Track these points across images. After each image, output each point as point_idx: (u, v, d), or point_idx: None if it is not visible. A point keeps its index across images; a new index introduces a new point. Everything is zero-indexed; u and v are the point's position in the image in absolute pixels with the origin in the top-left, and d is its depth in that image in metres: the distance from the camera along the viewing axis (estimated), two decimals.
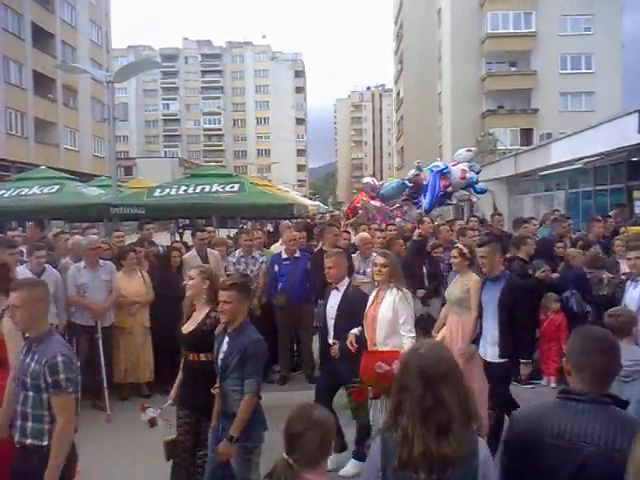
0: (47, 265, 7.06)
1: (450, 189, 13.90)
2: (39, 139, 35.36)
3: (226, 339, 4.09)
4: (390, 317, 4.92)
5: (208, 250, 8.29)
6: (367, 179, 16.02)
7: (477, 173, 14.40)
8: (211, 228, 10.12)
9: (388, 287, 5.03)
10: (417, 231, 9.32)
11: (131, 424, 6.68)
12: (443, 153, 45.97)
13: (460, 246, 6.14)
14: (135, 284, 7.58)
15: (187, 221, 15.52)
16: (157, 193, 10.46)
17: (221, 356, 4.07)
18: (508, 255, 7.70)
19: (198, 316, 4.64)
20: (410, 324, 4.94)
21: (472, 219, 11.13)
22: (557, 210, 14.06)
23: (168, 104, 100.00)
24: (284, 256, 8.17)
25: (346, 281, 5.59)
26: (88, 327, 7.15)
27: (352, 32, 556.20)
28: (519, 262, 7.42)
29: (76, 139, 40.37)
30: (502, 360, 5.28)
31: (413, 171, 14.38)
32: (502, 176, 28.91)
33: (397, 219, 13.22)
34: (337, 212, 29.28)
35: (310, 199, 36.64)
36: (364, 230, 9.68)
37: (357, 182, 73.28)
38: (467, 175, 13.87)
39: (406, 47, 52.44)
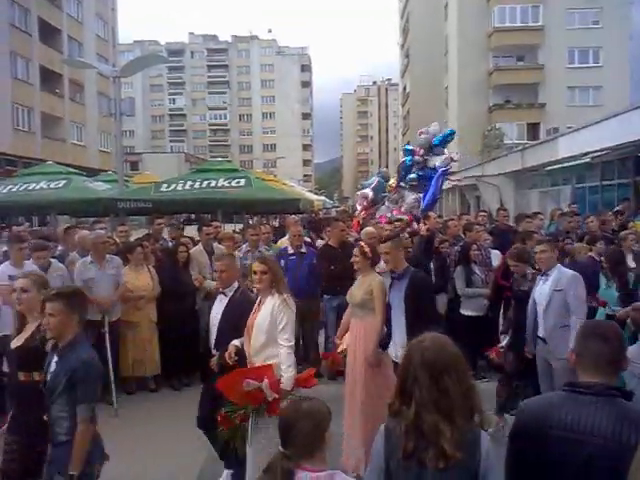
0: (53, 260, 7.08)
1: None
2: (46, 134, 35.47)
3: (55, 358, 3.62)
4: (267, 325, 4.48)
5: (214, 245, 8.30)
6: (365, 192, 14.94)
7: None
8: (217, 223, 10.14)
9: (269, 293, 4.59)
10: (424, 226, 9.30)
11: (138, 418, 6.74)
12: (449, 147, 45.90)
13: (362, 244, 5.76)
14: (142, 279, 7.61)
15: (184, 216, 15.57)
16: (164, 188, 10.50)
17: (49, 377, 3.61)
18: None
19: (29, 329, 4.12)
20: (289, 332, 4.49)
21: (481, 214, 11.12)
22: (574, 204, 14.02)
23: (174, 99, 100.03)
24: (290, 251, 8.18)
25: (235, 285, 5.15)
26: (95, 321, 7.17)
27: (358, 26, 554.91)
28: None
29: (82, 134, 40.48)
30: None
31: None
32: (509, 171, 28.81)
33: (394, 212, 12.88)
34: (342, 207, 29.25)
35: (316, 194, 36.62)
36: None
37: (363, 178, 73.18)
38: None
39: (412, 41, 52.29)
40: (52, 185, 10.86)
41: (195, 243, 8.91)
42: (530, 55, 40.88)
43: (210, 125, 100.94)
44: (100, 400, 6.25)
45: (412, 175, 13.27)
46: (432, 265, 8.12)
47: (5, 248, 7.78)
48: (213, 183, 10.37)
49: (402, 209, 12.90)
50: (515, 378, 6.00)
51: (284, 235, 9.97)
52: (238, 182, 10.40)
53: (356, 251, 5.65)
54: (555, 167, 22.84)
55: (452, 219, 9.86)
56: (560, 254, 7.86)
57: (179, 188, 10.40)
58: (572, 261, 7.64)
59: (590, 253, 7.52)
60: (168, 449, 5.77)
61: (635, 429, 2.11)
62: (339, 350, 5.60)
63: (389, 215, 12.48)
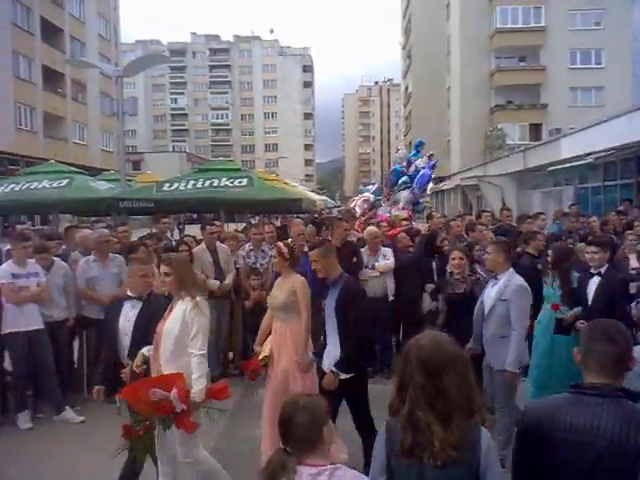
0: (56, 258, 7.09)
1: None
2: (48, 133, 35.52)
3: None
4: (177, 332, 4.17)
5: (217, 244, 8.31)
6: (366, 195, 15.20)
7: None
8: (219, 222, 10.15)
9: (180, 298, 4.29)
10: (425, 226, 9.31)
11: None
12: (451, 148, 45.90)
13: (279, 245, 5.52)
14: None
15: (183, 216, 15.56)
16: (166, 187, 10.49)
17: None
18: (517, 250, 7.68)
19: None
20: (201, 340, 4.17)
21: (485, 214, 11.11)
22: (575, 204, 14.02)
23: (176, 99, 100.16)
24: None
25: (148, 290, 4.86)
26: (98, 320, 7.18)
27: (360, 26, 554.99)
28: (528, 257, 7.40)
29: (85, 133, 40.54)
30: (348, 375, 4.67)
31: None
32: (511, 171, 28.83)
33: (392, 209, 13.20)
34: (345, 207, 29.21)
35: (317, 194, 36.60)
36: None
37: (364, 177, 73.13)
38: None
39: (414, 42, 52.27)
40: (54, 184, 10.84)
41: (198, 242, 8.92)
42: (532, 56, 40.87)
43: (212, 125, 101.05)
44: (103, 399, 6.28)
45: (404, 178, 13.89)
46: (434, 264, 8.13)
47: (8, 247, 7.79)
48: (215, 182, 10.36)
49: (399, 205, 13.40)
50: None
51: (286, 234, 9.98)
52: (240, 182, 10.39)
53: (274, 251, 5.51)
54: (557, 168, 22.84)
55: (454, 219, 9.86)
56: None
57: (181, 187, 10.39)
58: (575, 261, 7.64)
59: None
60: None
61: None
62: (260, 357, 5.27)
63: (388, 214, 12.65)
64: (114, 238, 8.13)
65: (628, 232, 8.15)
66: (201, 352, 4.14)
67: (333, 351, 4.81)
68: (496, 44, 40.63)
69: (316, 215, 15.39)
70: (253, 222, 15.25)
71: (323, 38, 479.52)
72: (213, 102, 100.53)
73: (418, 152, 14.80)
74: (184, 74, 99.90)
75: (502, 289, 5.17)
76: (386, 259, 8.15)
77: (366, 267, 8.10)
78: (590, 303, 5.61)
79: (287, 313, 5.21)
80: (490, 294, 5.29)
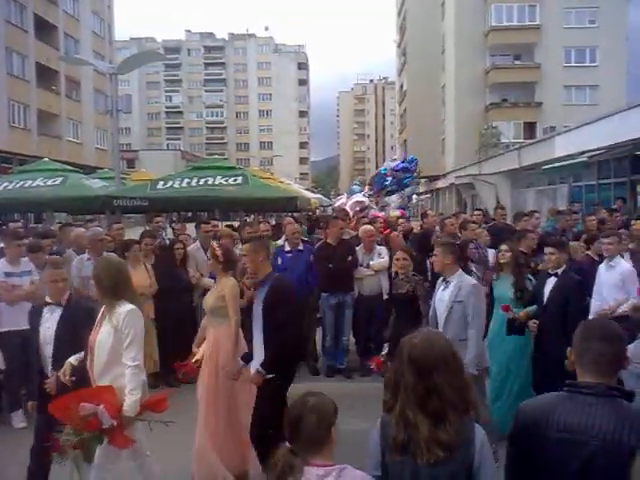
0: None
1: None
2: (42, 131, 35.36)
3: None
4: (111, 342, 3.92)
5: (212, 242, 8.29)
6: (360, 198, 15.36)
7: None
8: (215, 222, 10.14)
9: (111, 305, 4.01)
10: (417, 224, 9.36)
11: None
12: (446, 146, 45.94)
13: (213, 246, 5.38)
14: (139, 276, 7.58)
15: (176, 214, 15.55)
16: (160, 185, 10.46)
17: None
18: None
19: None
20: (135, 349, 3.93)
21: (476, 212, 11.15)
22: (574, 202, 14.10)
23: (171, 96, 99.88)
24: (287, 249, 8.19)
25: (67, 294, 4.60)
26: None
27: (355, 24, 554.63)
28: (521, 255, 7.41)
29: (79, 131, 40.38)
30: (268, 376, 4.51)
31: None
32: (505, 169, 28.87)
33: (387, 208, 13.39)
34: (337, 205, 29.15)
35: (312, 192, 36.57)
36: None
37: (359, 175, 73.12)
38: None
39: (409, 39, 52.24)
40: (48, 182, 10.80)
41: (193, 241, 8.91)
42: (527, 54, 40.94)
43: (207, 123, 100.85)
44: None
45: (387, 181, 14.37)
46: (428, 263, 8.14)
47: (1, 245, 7.76)
48: (210, 181, 10.33)
49: (392, 206, 13.70)
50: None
51: (281, 232, 9.98)
52: (235, 180, 10.36)
53: (209, 253, 5.38)
54: (552, 166, 22.89)
55: (449, 217, 9.88)
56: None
57: (176, 185, 10.36)
58: (570, 260, 7.66)
59: (588, 252, 7.53)
60: (165, 446, 5.76)
61: (636, 430, 2.10)
62: (194, 360, 5.20)
63: (384, 213, 12.77)
64: (108, 237, 8.12)
65: (622, 230, 8.16)
66: (135, 363, 3.92)
67: (258, 356, 4.63)
68: (491, 42, 40.67)
69: (310, 213, 15.40)
70: (248, 220, 15.21)
71: (318, 36, 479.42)
72: (208, 100, 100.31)
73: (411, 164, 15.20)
74: (179, 72, 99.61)
75: (456, 291, 5.11)
76: (381, 257, 8.16)
77: (361, 265, 8.12)
78: (544, 303, 5.61)
79: (217, 317, 5.09)
80: (442, 297, 5.21)
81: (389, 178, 13.95)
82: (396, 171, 14.07)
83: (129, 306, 3.99)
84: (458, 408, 2.25)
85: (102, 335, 3.98)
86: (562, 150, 21.24)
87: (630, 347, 3.17)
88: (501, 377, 5.83)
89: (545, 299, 5.64)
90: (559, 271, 5.68)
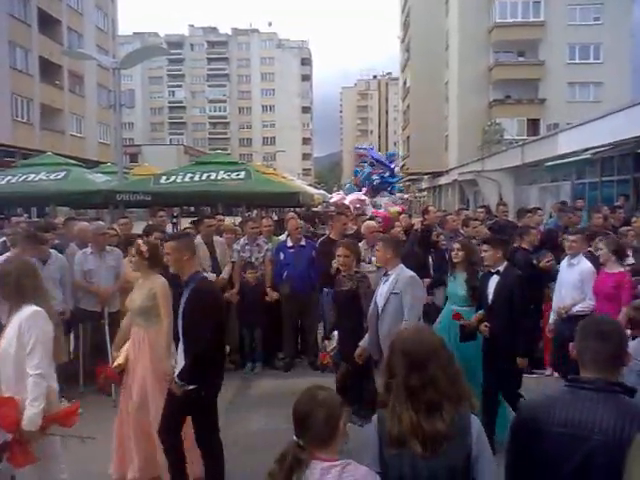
0: (52, 251, 7.08)
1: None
2: (45, 125, 35.37)
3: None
4: (15, 348, 3.53)
5: (214, 237, 8.31)
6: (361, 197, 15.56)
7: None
8: (220, 216, 10.14)
9: (15, 308, 3.65)
10: (418, 220, 9.37)
11: None
12: (449, 143, 45.87)
13: (139, 243, 5.08)
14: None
15: (178, 209, 15.59)
16: (163, 180, 10.48)
17: None
18: (513, 245, 7.70)
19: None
20: (37, 356, 3.51)
21: (479, 210, 11.16)
22: (580, 199, 14.06)
23: (174, 91, 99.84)
24: (289, 244, 8.20)
25: None
26: (94, 313, 7.19)
27: (359, 20, 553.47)
28: (522, 252, 7.42)
29: (82, 125, 40.40)
30: (192, 387, 4.23)
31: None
32: (508, 166, 28.82)
33: (386, 205, 13.52)
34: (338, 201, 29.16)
35: (315, 188, 36.56)
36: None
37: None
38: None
39: (413, 35, 52.13)
40: (51, 176, 10.82)
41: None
42: (531, 51, 40.80)
43: (210, 118, 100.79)
44: (98, 391, 6.26)
45: (374, 177, 15.70)
46: (431, 259, 8.16)
47: (4, 239, 7.78)
48: (213, 176, 10.35)
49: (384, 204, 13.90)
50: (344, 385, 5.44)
51: (283, 228, 9.99)
52: (238, 175, 10.38)
53: (133, 250, 5.11)
54: (555, 163, 22.86)
55: (450, 214, 9.90)
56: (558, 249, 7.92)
57: (178, 180, 10.38)
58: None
59: (589, 249, 7.51)
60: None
61: (637, 426, 2.11)
62: (115, 364, 4.87)
63: (383, 209, 12.89)
64: (113, 230, 8.15)
65: (627, 228, 8.13)
66: (37, 371, 3.48)
67: (180, 359, 4.37)
68: (495, 38, 40.54)
69: (308, 208, 15.46)
70: (250, 215, 15.23)
71: (322, 31, 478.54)
72: (211, 95, 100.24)
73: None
74: (182, 67, 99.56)
75: (393, 283, 5.12)
76: None
77: (363, 261, 8.12)
78: (490, 302, 5.49)
79: (146, 318, 4.80)
80: (382, 291, 5.20)
81: (375, 176, 14.50)
82: (377, 161, 14.69)
83: (32, 308, 3.60)
84: (452, 398, 2.28)
85: (4, 345, 3.58)
86: (565, 147, 21.21)
87: (632, 344, 3.18)
88: None
89: (490, 299, 5.52)
90: (500, 269, 5.53)
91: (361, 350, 5.32)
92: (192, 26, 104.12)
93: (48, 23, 35.91)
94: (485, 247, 5.64)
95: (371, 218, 9.67)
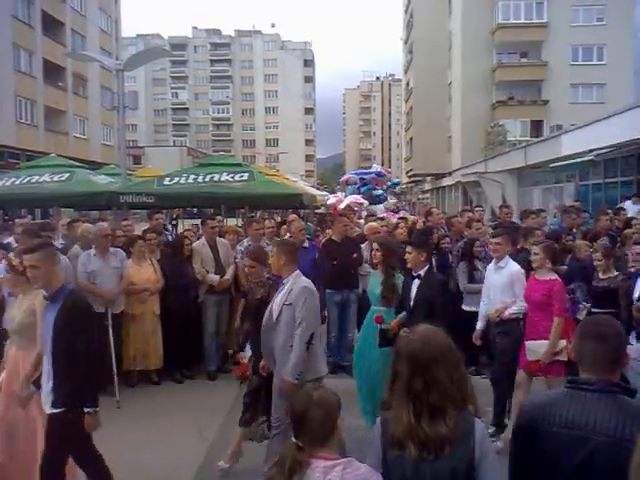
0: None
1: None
2: (49, 127, 35.47)
3: None
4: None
5: (217, 239, 8.32)
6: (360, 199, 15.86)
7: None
8: (220, 217, 10.17)
9: None
10: (420, 221, 9.37)
11: (140, 411, 6.75)
12: (452, 144, 45.83)
13: (10, 258, 4.77)
14: (145, 272, 7.63)
15: (176, 211, 15.66)
16: (166, 182, 10.49)
17: None
18: (517, 246, 7.70)
19: None
20: None
21: (477, 209, 11.09)
22: (577, 201, 14.07)
23: (177, 93, 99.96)
24: None
25: None
26: (98, 314, 7.19)
27: (362, 21, 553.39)
28: (526, 254, 7.40)
29: (85, 127, 40.50)
30: (56, 410, 3.85)
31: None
32: (512, 167, 28.81)
33: (389, 214, 13.61)
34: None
35: (318, 189, 36.56)
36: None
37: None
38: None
39: (416, 37, 52.09)
40: (55, 178, 10.84)
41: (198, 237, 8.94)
42: (534, 52, 40.76)
43: (213, 119, 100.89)
44: (102, 392, 6.30)
45: (366, 187, 15.88)
46: (434, 261, 8.14)
47: (8, 240, 7.81)
48: (216, 177, 10.35)
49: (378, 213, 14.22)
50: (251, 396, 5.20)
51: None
52: (241, 176, 10.38)
53: (6, 265, 4.76)
54: (558, 164, 22.84)
55: (455, 216, 9.88)
56: (562, 251, 7.91)
57: (182, 182, 10.39)
58: (574, 258, 7.66)
59: (591, 250, 7.51)
60: (170, 441, 5.80)
61: (637, 426, 2.11)
62: None
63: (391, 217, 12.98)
64: (119, 231, 8.18)
65: (631, 231, 8.11)
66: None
67: (46, 382, 3.96)
68: (498, 39, 40.52)
69: (314, 210, 15.52)
70: (253, 217, 15.24)
71: (324, 33, 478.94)
72: (214, 97, 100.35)
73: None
74: (185, 68, 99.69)
75: (287, 294, 4.69)
76: None
77: (366, 262, 8.13)
78: (411, 306, 5.37)
79: (24, 337, 4.39)
80: (277, 301, 4.77)
81: (379, 190, 14.95)
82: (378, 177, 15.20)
83: None
84: (457, 402, 2.27)
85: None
86: (569, 148, 21.19)
87: (634, 347, 3.18)
88: (366, 389, 5.60)
89: (412, 302, 5.39)
90: (422, 272, 5.41)
91: (262, 368, 4.99)
92: (195, 28, 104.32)
93: (52, 25, 36.02)
94: (409, 249, 5.49)
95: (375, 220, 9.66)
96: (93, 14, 42.15)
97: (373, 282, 6.04)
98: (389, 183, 16.19)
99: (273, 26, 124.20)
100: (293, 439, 2.36)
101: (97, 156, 38.98)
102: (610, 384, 2.25)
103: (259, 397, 5.08)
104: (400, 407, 2.29)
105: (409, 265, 5.55)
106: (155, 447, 5.66)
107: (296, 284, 4.70)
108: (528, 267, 6.59)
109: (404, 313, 5.55)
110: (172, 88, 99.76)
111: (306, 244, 8.25)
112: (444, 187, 48.72)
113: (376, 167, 18.90)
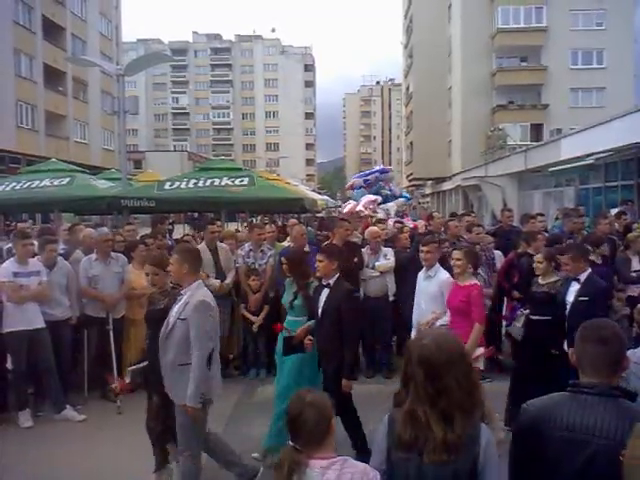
0: (59, 257, 7.11)
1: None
2: (49, 132, 35.53)
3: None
4: None
5: (218, 244, 8.32)
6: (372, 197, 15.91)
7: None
8: (219, 222, 10.17)
9: None
10: (422, 223, 9.36)
11: (140, 415, 6.73)
12: (452, 148, 45.88)
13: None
14: (145, 277, 7.62)
15: (173, 216, 15.66)
16: (167, 186, 10.51)
17: None
18: (518, 251, 7.71)
19: None
20: None
21: (472, 214, 11.01)
22: (580, 205, 14.04)
23: (177, 98, 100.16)
24: None
25: None
26: (99, 318, 7.21)
27: (362, 26, 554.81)
28: (528, 258, 7.40)
29: (86, 132, 40.56)
30: None
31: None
32: (512, 172, 28.82)
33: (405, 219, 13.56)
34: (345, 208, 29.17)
35: (318, 194, 36.58)
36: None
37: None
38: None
39: (416, 41, 52.19)
40: (56, 182, 10.86)
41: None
42: (533, 56, 40.82)
43: (213, 124, 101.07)
44: (103, 397, 6.28)
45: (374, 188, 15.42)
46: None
47: (9, 245, 7.81)
48: (217, 182, 10.37)
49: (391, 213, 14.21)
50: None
51: (287, 235, 10.00)
52: (241, 181, 10.39)
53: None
54: (558, 168, 22.85)
55: (452, 219, 9.87)
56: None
57: (182, 186, 10.41)
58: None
59: (591, 256, 7.48)
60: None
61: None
62: None
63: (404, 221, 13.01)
64: (119, 236, 8.19)
65: (636, 235, 8.07)
66: None
67: None
68: (497, 44, 40.58)
69: (314, 214, 15.52)
70: (254, 222, 15.27)
71: (325, 38, 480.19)
72: (214, 101, 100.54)
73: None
74: (185, 73, 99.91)
75: (183, 307, 4.34)
76: (387, 259, 8.18)
77: (367, 267, 8.13)
78: (319, 315, 5.25)
79: None
80: (173, 312, 4.43)
81: (387, 189, 14.86)
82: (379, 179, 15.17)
83: None
84: (465, 409, 2.26)
85: None
86: (569, 152, 21.20)
87: (637, 351, 3.18)
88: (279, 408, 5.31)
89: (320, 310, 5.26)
90: (331, 281, 5.25)
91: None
92: (196, 33, 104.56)
93: (52, 30, 36.10)
94: (320, 257, 5.30)
95: (381, 221, 9.66)
96: (94, 19, 42.24)
97: (288, 291, 5.93)
98: (400, 196, 16.12)
99: (273, 31, 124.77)
100: (290, 442, 2.38)
101: (97, 161, 39.02)
102: (610, 387, 2.25)
103: (161, 420, 4.84)
104: (409, 410, 2.28)
105: (319, 274, 5.34)
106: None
107: (193, 297, 4.33)
108: (530, 272, 6.58)
109: (312, 321, 5.42)
110: (172, 93, 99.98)
111: (307, 249, 8.25)
112: (445, 191, 48.77)
113: (377, 166, 18.84)
